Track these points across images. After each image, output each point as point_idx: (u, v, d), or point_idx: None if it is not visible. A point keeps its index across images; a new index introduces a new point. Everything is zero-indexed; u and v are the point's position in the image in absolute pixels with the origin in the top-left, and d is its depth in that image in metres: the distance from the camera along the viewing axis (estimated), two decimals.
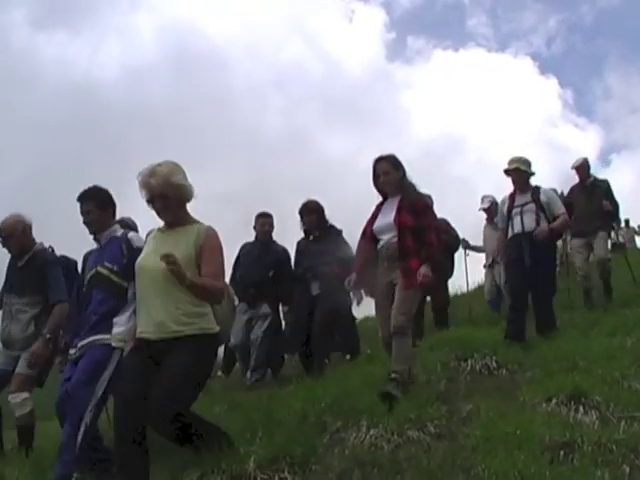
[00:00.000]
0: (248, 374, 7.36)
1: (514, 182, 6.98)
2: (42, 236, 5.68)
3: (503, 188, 7.57)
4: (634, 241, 18.20)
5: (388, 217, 5.01)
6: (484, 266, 10.16)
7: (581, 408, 3.96)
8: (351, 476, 3.41)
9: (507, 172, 6.95)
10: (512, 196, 6.99)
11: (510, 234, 6.91)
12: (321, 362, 6.83)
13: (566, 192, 11.87)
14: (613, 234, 12.40)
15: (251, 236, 7.67)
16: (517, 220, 6.82)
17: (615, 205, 9.07)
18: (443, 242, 6.07)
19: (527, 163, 6.97)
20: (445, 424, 3.95)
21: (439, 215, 6.90)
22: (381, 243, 5.01)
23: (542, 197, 6.82)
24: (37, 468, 4.43)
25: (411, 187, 5.12)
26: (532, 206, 6.76)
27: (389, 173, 5.08)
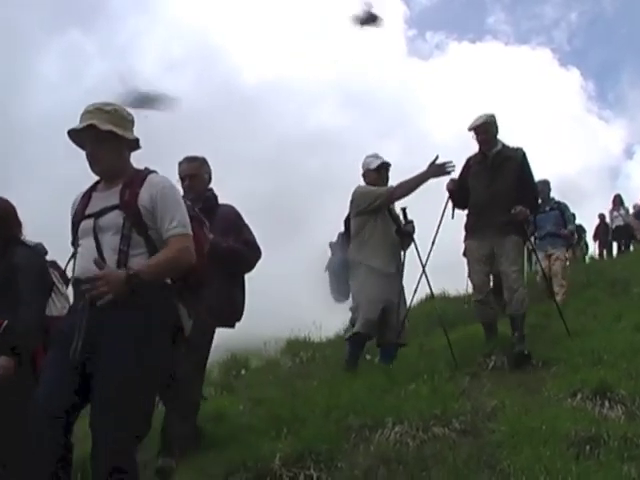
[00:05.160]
0: None
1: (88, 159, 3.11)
2: None
3: None
4: None
5: None
6: None
7: (606, 403, 3.94)
8: (377, 473, 3.42)
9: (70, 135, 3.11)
10: (88, 193, 3.15)
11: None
12: None
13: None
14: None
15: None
16: (80, 250, 3.04)
17: (531, 187, 6.02)
18: None
19: (115, 114, 3.03)
20: (470, 420, 3.94)
21: None
22: None
23: (143, 196, 2.95)
24: None
25: None
26: (116, 216, 2.94)
27: None
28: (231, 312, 4.59)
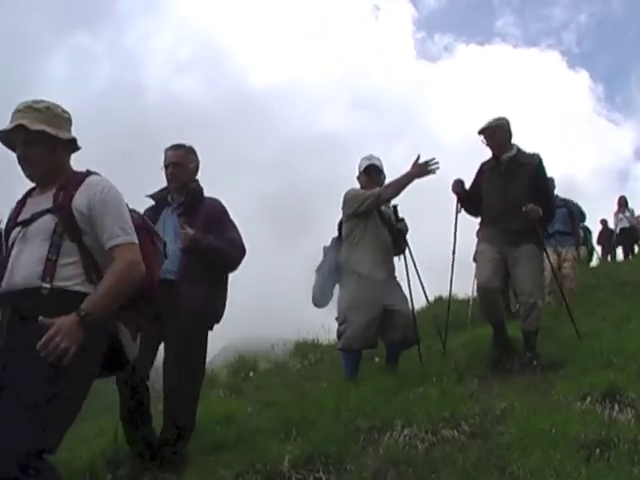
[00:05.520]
0: None
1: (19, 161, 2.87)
2: None
3: None
4: None
5: None
6: None
7: (616, 406, 3.93)
8: (386, 475, 3.41)
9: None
10: (24, 199, 2.94)
11: None
12: None
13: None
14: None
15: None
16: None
17: (547, 196, 5.80)
18: None
19: (47, 113, 2.79)
20: (479, 423, 3.93)
21: None
22: None
23: (79, 199, 2.73)
24: None
25: None
26: (47, 221, 2.71)
27: None
28: (208, 313, 4.29)
